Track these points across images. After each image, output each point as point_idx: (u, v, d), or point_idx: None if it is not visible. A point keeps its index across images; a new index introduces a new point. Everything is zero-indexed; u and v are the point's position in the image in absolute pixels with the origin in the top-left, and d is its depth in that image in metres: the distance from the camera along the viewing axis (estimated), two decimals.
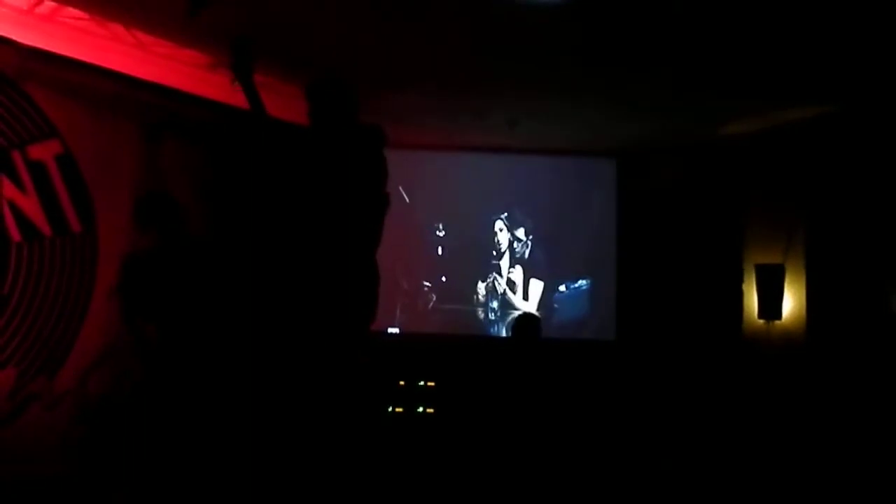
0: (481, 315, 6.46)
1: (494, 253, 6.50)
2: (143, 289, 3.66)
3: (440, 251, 6.48)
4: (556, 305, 6.45)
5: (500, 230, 6.52)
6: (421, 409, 5.83)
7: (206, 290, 3.88)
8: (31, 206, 3.51)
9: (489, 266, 6.48)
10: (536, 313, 5.93)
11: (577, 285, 6.48)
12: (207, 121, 4.25)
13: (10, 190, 3.44)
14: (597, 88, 4.89)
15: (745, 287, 5.60)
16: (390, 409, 5.77)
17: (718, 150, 5.87)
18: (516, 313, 6.14)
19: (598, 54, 4.25)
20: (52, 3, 3.77)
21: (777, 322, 5.27)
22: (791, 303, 5.26)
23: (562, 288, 6.48)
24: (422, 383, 5.92)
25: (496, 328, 6.43)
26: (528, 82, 4.82)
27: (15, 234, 3.45)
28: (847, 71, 4.36)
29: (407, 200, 6.11)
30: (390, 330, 6.22)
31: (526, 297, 6.44)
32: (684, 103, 5.11)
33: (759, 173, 5.64)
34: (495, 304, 6.45)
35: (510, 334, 4.89)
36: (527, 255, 6.50)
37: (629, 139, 6.11)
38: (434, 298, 6.45)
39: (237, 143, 4.24)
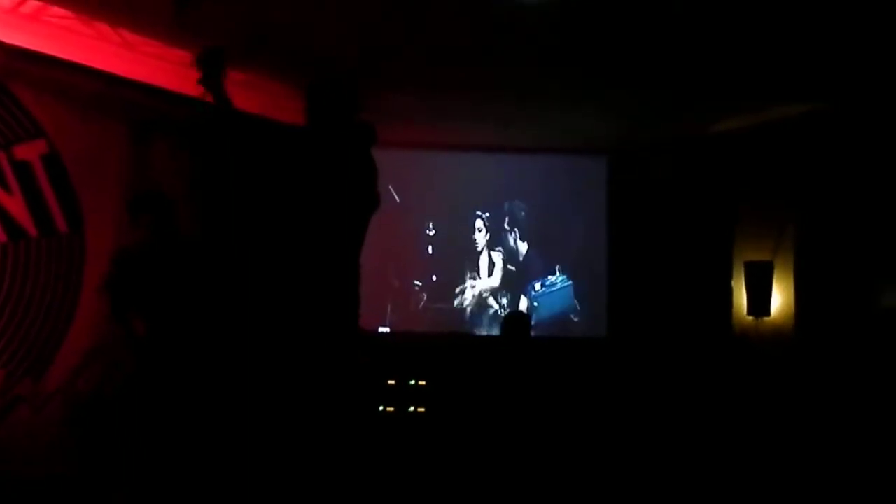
0: (472, 314, 6.47)
1: (485, 251, 6.50)
2: (134, 285, 3.64)
3: (431, 250, 6.48)
4: (547, 303, 6.46)
5: (491, 228, 6.52)
6: (412, 409, 5.83)
7: (196, 287, 3.87)
8: (16, 206, 3.49)
9: (480, 264, 6.49)
10: (525, 311, 5.93)
11: (568, 283, 6.49)
12: (196, 120, 4.23)
13: None
14: (588, 87, 4.91)
15: (734, 284, 5.62)
16: (381, 408, 5.77)
17: (708, 147, 5.89)
18: (507, 311, 6.15)
19: (589, 54, 4.26)
20: (37, 3, 3.75)
21: (766, 318, 5.30)
22: (780, 299, 5.29)
23: (553, 286, 6.49)
24: (413, 382, 5.91)
25: (487, 327, 6.43)
26: (522, 82, 4.83)
27: (1, 235, 3.42)
28: (835, 68, 4.38)
29: (397, 200, 6.10)
30: (381, 329, 6.22)
31: (517, 295, 6.45)
32: (675, 101, 5.13)
33: (748, 170, 5.66)
34: (486, 303, 6.46)
35: (500, 333, 4.89)
36: (517, 253, 6.51)
37: (620, 137, 6.13)
38: (425, 297, 6.45)
39: (226, 142, 4.22)
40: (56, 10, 3.82)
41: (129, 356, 3.69)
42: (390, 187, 5.90)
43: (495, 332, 6.36)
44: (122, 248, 3.67)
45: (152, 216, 3.59)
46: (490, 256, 6.51)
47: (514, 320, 4.81)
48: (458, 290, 6.46)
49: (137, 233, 3.66)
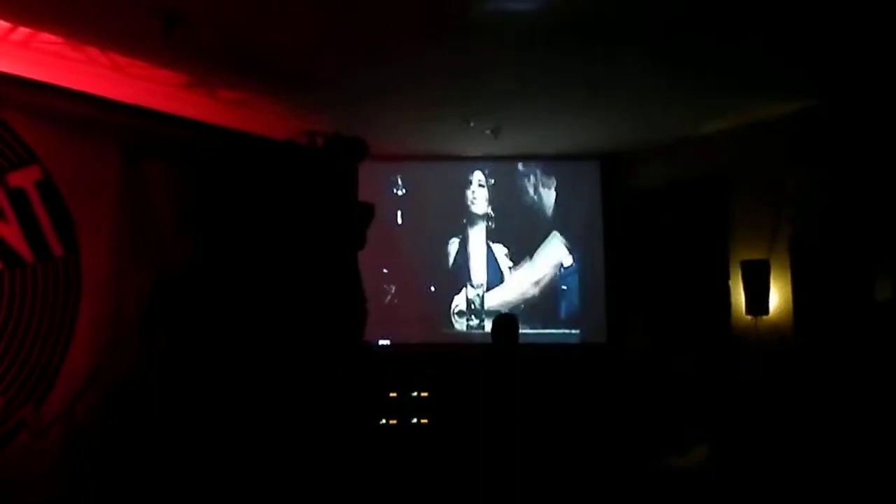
0: (470, 323, 6.47)
1: (482, 260, 6.51)
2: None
3: (427, 261, 6.49)
4: (545, 310, 6.46)
5: (486, 237, 6.54)
6: (415, 420, 5.82)
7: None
8: (12, 233, 3.47)
9: (477, 273, 6.50)
10: (514, 314, 5.94)
11: (565, 289, 6.50)
12: (188, 140, 4.24)
13: None
14: (578, 92, 4.92)
15: (731, 284, 5.62)
16: (384, 421, 5.76)
17: (700, 148, 5.91)
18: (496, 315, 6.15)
19: (577, 58, 4.27)
20: (27, 30, 3.77)
21: (765, 317, 5.30)
22: (777, 297, 5.29)
23: (550, 292, 6.50)
24: (415, 394, 5.91)
25: (485, 335, 6.43)
26: (510, 90, 4.85)
27: None
28: (826, 65, 4.40)
29: (393, 211, 6.12)
30: (381, 342, 6.21)
31: (515, 303, 6.45)
32: (665, 103, 5.15)
33: (740, 170, 5.67)
34: (484, 312, 6.46)
35: (491, 336, 4.91)
36: (514, 261, 6.52)
37: (611, 141, 6.15)
38: (423, 308, 6.45)
39: (218, 161, 4.24)
40: (46, 36, 3.84)
41: (129, 377, 3.70)
42: (385, 200, 5.94)
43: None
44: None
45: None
46: (485, 264, 6.52)
47: (502, 323, 4.82)
48: (455, 299, 6.46)
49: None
